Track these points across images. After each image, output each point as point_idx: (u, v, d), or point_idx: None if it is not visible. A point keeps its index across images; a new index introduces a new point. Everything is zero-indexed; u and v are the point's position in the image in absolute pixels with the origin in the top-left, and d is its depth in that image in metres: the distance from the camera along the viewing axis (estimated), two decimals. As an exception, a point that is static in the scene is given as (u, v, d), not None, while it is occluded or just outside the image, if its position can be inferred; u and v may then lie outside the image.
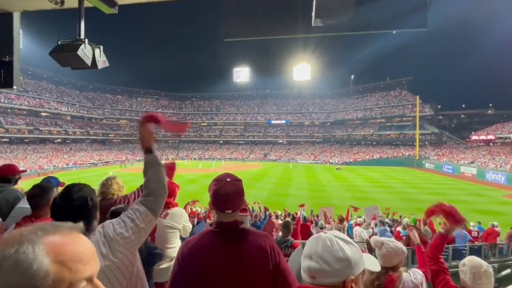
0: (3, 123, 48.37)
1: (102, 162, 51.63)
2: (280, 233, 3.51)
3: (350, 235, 8.40)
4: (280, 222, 6.32)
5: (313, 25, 2.71)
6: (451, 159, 44.58)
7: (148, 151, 1.42)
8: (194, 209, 9.68)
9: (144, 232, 1.28)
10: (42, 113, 58.37)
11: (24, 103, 54.59)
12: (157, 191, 1.36)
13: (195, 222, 4.55)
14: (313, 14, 2.64)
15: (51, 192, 1.91)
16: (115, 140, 70.89)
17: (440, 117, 75.04)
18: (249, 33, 3.25)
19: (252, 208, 14.38)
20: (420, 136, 55.78)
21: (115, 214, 1.60)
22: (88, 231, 1.25)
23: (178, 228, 2.50)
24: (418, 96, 59.79)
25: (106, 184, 2.50)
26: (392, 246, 1.73)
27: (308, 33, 3.23)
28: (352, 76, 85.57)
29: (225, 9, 3.30)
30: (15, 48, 3.96)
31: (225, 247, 1.24)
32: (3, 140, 48.67)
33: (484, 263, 1.66)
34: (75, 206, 1.24)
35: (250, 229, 1.33)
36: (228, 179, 1.29)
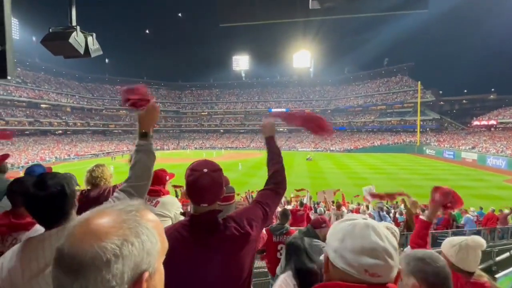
0: (3, 116, 48.32)
1: (103, 153, 51.79)
2: (277, 221, 3.52)
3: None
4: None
5: (310, 7, 2.64)
6: (452, 145, 44.53)
7: (144, 135, 1.34)
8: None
9: None
10: (41, 105, 58.17)
11: (23, 95, 54.36)
12: (142, 177, 1.28)
13: (189, 210, 4.55)
14: (310, -4, 2.57)
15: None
16: (116, 131, 70.90)
17: (441, 103, 74.56)
18: (245, 17, 3.17)
19: (252, 196, 14.49)
20: (421, 122, 55.56)
21: None
22: (66, 221, 1.18)
23: (170, 216, 2.47)
24: (419, 82, 59.26)
25: (97, 170, 2.42)
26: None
27: (305, 17, 3.15)
28: (351, 66, 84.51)
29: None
30: (7, 36, 3.87)
31: (198, 241, 1.15)
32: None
33: (468, 238, 1.61)
34: (51, 193, 1.15)
35: (228, 219, 1.22)
36: (205, 170, 1.17)
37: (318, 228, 2.64)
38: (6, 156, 2.71)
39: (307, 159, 40.11)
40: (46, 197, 1.14)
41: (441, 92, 73.87)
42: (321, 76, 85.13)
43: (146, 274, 0.51)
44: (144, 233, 0.52)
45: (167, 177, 2.60)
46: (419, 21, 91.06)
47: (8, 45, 3.90)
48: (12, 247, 1.19)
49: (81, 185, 2.39)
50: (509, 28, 71.76)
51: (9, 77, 3.96)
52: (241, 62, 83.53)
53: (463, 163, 35.88)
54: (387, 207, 11.06)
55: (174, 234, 1.15)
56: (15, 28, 49.96)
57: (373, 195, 3.14)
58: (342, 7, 2.79)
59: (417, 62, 76.32)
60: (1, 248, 1.51)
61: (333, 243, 0.82)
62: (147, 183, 1.30)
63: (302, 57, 71.36)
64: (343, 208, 7.58)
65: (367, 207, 9.79)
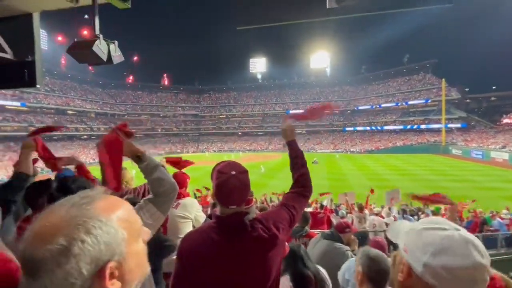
0: (34, 122, 50.96)
1: (126, 159, 53.35)
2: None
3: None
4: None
5: (327, 7, 2.59)
6: (481, 144, 42.47)
7: (138, 159, 1.38)
8: (208, 199, 9.76)
9: (152, 228, 1.19)
10: (68, 111, 60.96)
11: (51, 102, 57.23)
12: (166, 192, 1.31)
13: (209, 212, 4.60)
14: (327, -5, 2.52)
15: (50, 188, 1.71)
16: (138, 135, 73.04)
17: (468, 100, 71.17)
18: (261, 20, 3.16)
19: (270, 198, 14.43)
20: (447, 121, 53.39)
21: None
22: None
23: (190, 218, 2.50)
24: (443, 79, 57.03)
25: None
26: None
27: (323, 17, 3.10)
28: (370, 65, 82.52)
29: (237, -4, 3.22)
30: (36, 47, 4.09)
31: (226, 243, 1.16)
32: (35, 138, 51.48)
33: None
34: None
35: (255, 221, 1.22)
36: (233, 172, 1.18)
37: (342, 232, 2.61)
38: (35, 160, 2.84)
39: (312, 162, 36.26)
40: None
41: (467, 89, 70.57)
42: (339, 76, 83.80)
43: (110, 264, 0.51)
44: (97, 227, 0.51)
45: (188, 180, 2.64)
46: (442, 16, 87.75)
47: (37, 56, 4.10)
48: None
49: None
50: (541, 20, 67.66)
51: (38, 86, 4.16)
52: (258, 65, 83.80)
53: (492, 163, 34.09)
54: (411, 209, 10.67)
55: (202, 236, 1.19)
56: (43, 39, 52.74)
57: (414, 197, 2.83)
58: (361, 5, 2.72)
59: (440, 59, 73.53)
60: None
61: (422, 257, 0.74)
62: (173, 195, 1.35)
63: (320, 57, 70.68)
64: (366, 211, 7.39)
65: (390, 209, 9.50)
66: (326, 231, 2.79)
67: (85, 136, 60.73)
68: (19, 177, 1.73)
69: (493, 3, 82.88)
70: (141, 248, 0.60)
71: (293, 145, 1.59)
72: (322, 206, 8.41)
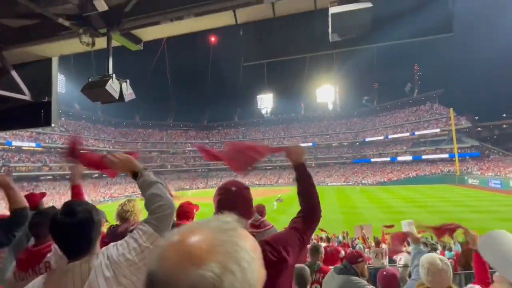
0: (48, 162, 52.25)
1: (135, 194, 53.46)
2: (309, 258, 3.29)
3: (392, 260, 7.76)
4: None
5: (330, 40, 2.68)
6: (498, 173, 41.10)
7: (135, 175, 1.37)
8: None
9: (148, 252, 1.13)
10: (81, 151, 62.55)
11: (65, 142, 59.00)
12: (161, 207, 1.25)
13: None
14: (329, 29, 2.62)
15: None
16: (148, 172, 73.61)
17: (479, 128, 70.39)
18: (267, 55, 3.29)
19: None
20: (459, 150, 52.39)
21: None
22: (90, 252, 1.14)
23: None
24: (451, 109, 57.00)
25: (128, 204, 2.42)
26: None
27: (326, 50, 3.20)
28: (374, 97, 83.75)
29: (244, 35, 3.39)
30: (53, 89, 4.31)
31: None
32: (48, 177, 52.38)
33: (438, 260, 1.66)
34: (81, 220, 1.12)
35: (262, 243, 1.14)
36: (234, 188, 1.16)
37: (354, 263, 2.43)
38: (43, 194, 2.84)
39: (277, 200, 31.77)
40: (74, 224, 1.12)
41: (477, 117, 70.13)
42: (347, 108, 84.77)
43: None
44: (245, 259, 0.42)
45: (195, 210, 2.57)
46: (445, 46, 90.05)
47: (53, 97, 4.31)
48: (37, 277, 1.17)
49: (111, 221, 2.41)
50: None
51: (53, 125, 4.32)
52: (265, 101, 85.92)
53: (513, 193, 32.68)
54: (432, 243, 10.06)
55: None
56: (61, 83, 55.81)
57: (426, 228, 2.66)
58: (363, 37, 2.80)
59: (446, 89, 73.94)
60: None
61: None
62: (170, 212, 1.27)
63: (326, 91, 72.04)
64: (383, 245, 7.00)
65: (408, 243, 8.99)
66: (338, 265, 2.61)
67: (96, 174, 61.49)
68: (16, 213, 1.75)
69: (492, 31, 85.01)
70: None
71: (301, 169, 1.47)
72: (329, 239, 8.01)
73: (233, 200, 1.13)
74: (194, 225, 0.47)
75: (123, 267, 1.07)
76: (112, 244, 1.19)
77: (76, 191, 2.12)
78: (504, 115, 75.19)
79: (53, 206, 1.84)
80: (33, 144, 53.27)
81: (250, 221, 1.23)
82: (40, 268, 1.57)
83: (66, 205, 1.20)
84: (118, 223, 2.39)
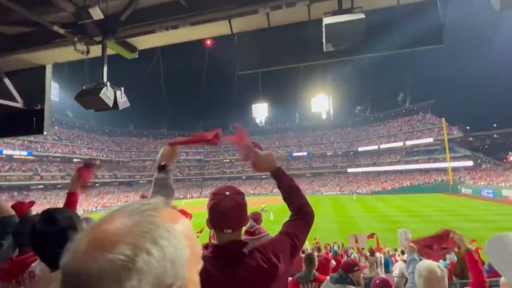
0: (39, 171, 51.42)
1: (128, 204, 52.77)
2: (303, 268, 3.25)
3: (388, 269, 7.71)
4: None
5: (324, 50, 2.72)
6: (490, 182, 41.56)
7: (162, 168, 1.27)
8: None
9: None
10: (74, 159, 61.73)
11: (58, 151, 58.24)
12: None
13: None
14: (323, 39, 2.66)
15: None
16: (142, 182, 72.80)
17: (471, 138, 71.44)
18: (261, 64, 3.32)
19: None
20: (452, 160, 52.99)
21: None
22: None
23: None
24: (443, 119, 57.88)
25: None
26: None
27: (320, 60, 3.24)
28: (368, 107, 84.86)
29: (239, 45, 3.42)
30: (46, 97, 4.27)
31: (221, 274, 1.04)
32: (39, 187, 51.48)
33: (437, 268, 1.63)
34: (62, 228, 1.06)
35: (253, 250, 1.11)
36: (227, 193, 1.11)
37: (350, 272, 2.40)
38: (32, 203, 2.77)
39: (261, 210, 30.10)
40: (56, 233, 1.06)
41: (468, 127, 71.28)
42: (341, 118, 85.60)
43: None
44: (164, 237, 0.41)
45: (189, 219, 2.51)
46: (436, 57, 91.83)
47: (46, 105, 4.27)
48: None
49: None
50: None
51: (45, 133, 4.26)
52: (260, 110, 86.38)
53: (505, 202, 32.93)
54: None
55: None
56: (55, 91, 55.41)
57: (417, 243, 2.57)
58: (357, 48, 2.85)
59: (438, 99, 75.28)
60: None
61: None
62: None
63: (320, 101, 72.82)
64: (378, 254, 6.96)
65: (402, 252, 8.98)
66: (334, 274, 2.58)
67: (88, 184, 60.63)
68: (1, 222, 1.73)
69: (485, 41, 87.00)
70: (198, 281, 0.49)
71: (280, 174, 1.38)
72: (319, 249, 7.91)
73: (226, 205, 1.09)
74: (112, 211, 0.45)
75: None
76: None
77: (71, 199, 2.07)
78: (495, 125, 76.58)
79: (37, 214, 1.80)
80: (25, 153, 52.45)
81: (245, 228, 1.20)
82: (24, 278, 1.52)
83: (46, 213, 1.14)
84: None
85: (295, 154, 78.68)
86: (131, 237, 0.39)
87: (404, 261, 7.35)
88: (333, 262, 6.02)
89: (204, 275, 1.10)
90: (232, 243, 1.09)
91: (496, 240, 0.90)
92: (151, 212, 0.44)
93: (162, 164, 1.28)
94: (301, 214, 1.31)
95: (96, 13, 2.68)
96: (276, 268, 1.08)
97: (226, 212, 1.09)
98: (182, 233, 0.45)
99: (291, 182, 1.38)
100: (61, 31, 3.01)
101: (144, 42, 3.53)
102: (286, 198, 1.36)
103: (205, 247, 1.17)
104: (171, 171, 1.29)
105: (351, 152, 74.51)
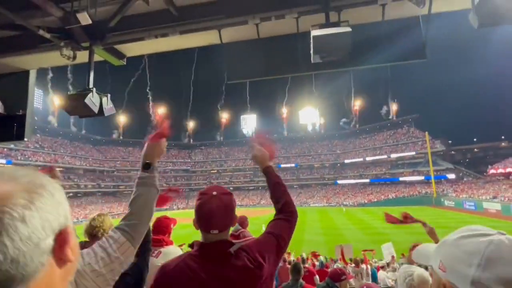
0: (18, 180, 49.56)
1: (111, 214, 51.13)
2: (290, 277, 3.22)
3: (375, 280, 7.70)
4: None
5: (312, 61, 2.77)
6: (471, 195, 42.67)
7: (146, 166, 1.19)
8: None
9: (119, 264, 1.00)
10: (56, 168, 59.94)
11: (39, 159, 56.36)
12: (140, 214, 1.10)
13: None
14: (311, 51, 2.71)
15: None
16: (126, 192, 71.04)
17: (452, 152, 73.65)
18: (250, 74, 3.35)
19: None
20: (435, 173, 54.27)
21: None
22: None
23: None
24: (426, 133, 59.55)
25: (98, 219, 2.19)
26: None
27: (308, 71, 3.30)
28: (353, 120, 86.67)
29: (227, 54, 3.44)
30: (29, 103, 4.15)
31: (207, 273, 1.03)
32: (17, 196, 49.50)
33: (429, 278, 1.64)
34: None
35: (239, 250, 1.10)
36: (214, 192, 1.10)
37: (337, 281, 2.40)
38: None
39: None
40: None
41: (450, 141, 73.57)
42: (328, 130, 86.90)
43: (68, 228, 0.47)
44: (49, 185, 0.46)
45: (172, 225, 2.42)
46: (420, 72, 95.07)
47: (29, 111, 4.15)
48: None
49: (81, 237, 2.24)
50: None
51: (26, 139, 4.12)
52: (249, 121, 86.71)
53: (486, 214, 33.86)
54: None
55: (181, 266, 1.06)
56: (39, 98, 54.16)
57: (389, 218, 3.04)
58: (344, 60, 2.92)
59: (422, 113, 77.60)
60: None
61: (467, 271, 0.59)
62: (146, 222, 1.12)
63: (308, 113, 73.91)
64: (363, 266, 6.95)
65: (388, 264, 9.02)
66: (321, 283, 2.56)
67: (71, 194, 58.73)
68: None
69: (467, 58, 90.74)
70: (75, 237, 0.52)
71: (270, 172, 1.45)
72: (304, 261, 7.83)
73: (212, 205, 1.07)
74: None
75: (87, 278, 0.94)
76: None
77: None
78: (475, 139, 79.36)
79: None
80: (4, 161, 50.56)
81: (230, 231, 1.18)
82: None
83: None
84: (86, 239, 2.22)
85: (282, 165, 78.85)
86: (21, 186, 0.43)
87: (394, 269, 7.39)
88: (317, 277, 5.93)
89: (189, 273, 1.04)
90: (219, 243, 1.08)
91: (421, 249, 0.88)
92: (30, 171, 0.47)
93: (147, 162, 1.20)
94: (285, 213, 1.33)
95: (84, 18, 2.65)
96: (262, 268, 1.08)
97: (212, 212, 1.07)
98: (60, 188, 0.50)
99: (278, 179, 1.44)
100: (47, 35, 2.96)
101: (133, 49, 3.51)
102: (273, 195, 1.41)
103: (191, 245, 1.14)
104: (156, 169, 1.22)
105: (338, 164, 75.31)
